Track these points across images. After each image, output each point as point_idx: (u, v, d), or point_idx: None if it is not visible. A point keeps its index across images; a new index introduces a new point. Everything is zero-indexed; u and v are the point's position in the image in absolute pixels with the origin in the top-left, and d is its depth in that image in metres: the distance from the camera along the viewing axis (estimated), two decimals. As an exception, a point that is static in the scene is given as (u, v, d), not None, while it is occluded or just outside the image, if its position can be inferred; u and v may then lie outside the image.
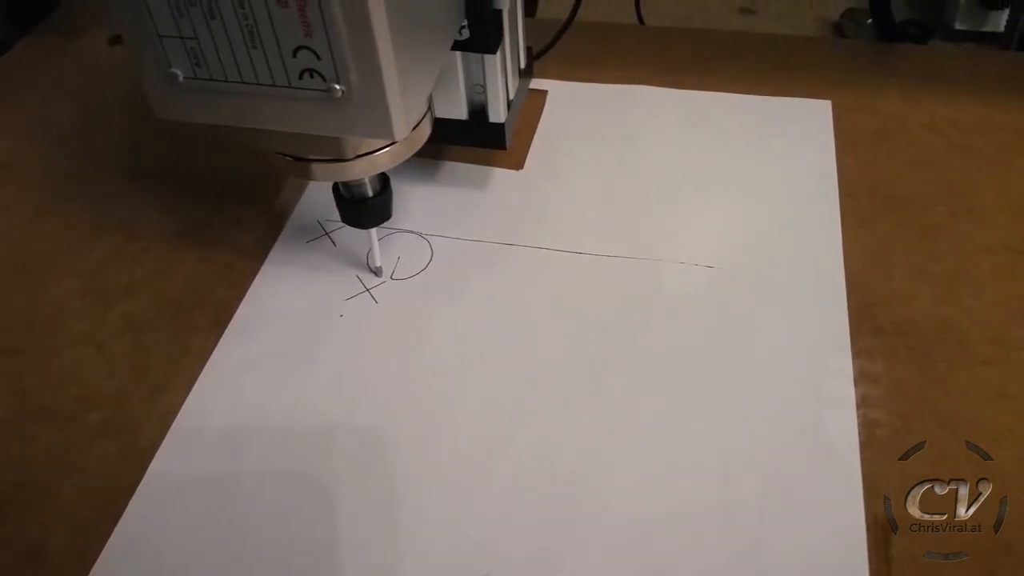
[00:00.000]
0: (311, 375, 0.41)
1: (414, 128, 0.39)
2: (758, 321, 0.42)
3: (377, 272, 0.45)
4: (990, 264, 0.44)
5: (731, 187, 0.49)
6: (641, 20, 0.66)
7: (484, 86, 0.45)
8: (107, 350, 0.43)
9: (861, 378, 0.39)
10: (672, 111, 0.54)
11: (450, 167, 0.51)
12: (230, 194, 0.50)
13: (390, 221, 0.43)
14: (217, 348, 0.42)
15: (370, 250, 0.45)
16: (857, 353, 0.40)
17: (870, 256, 0.45)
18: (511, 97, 0.46)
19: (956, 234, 0.46)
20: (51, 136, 0.56)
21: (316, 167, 0.38)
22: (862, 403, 0.39)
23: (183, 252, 0.47)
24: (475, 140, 0.47)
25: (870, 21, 0.60)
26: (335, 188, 0.42)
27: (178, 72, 0.33)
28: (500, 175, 0.50)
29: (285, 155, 0.38)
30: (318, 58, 0.31)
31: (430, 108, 0.41)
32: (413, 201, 0.49)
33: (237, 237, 0.48)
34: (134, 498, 0.37)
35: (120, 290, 0.45)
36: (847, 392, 0.39)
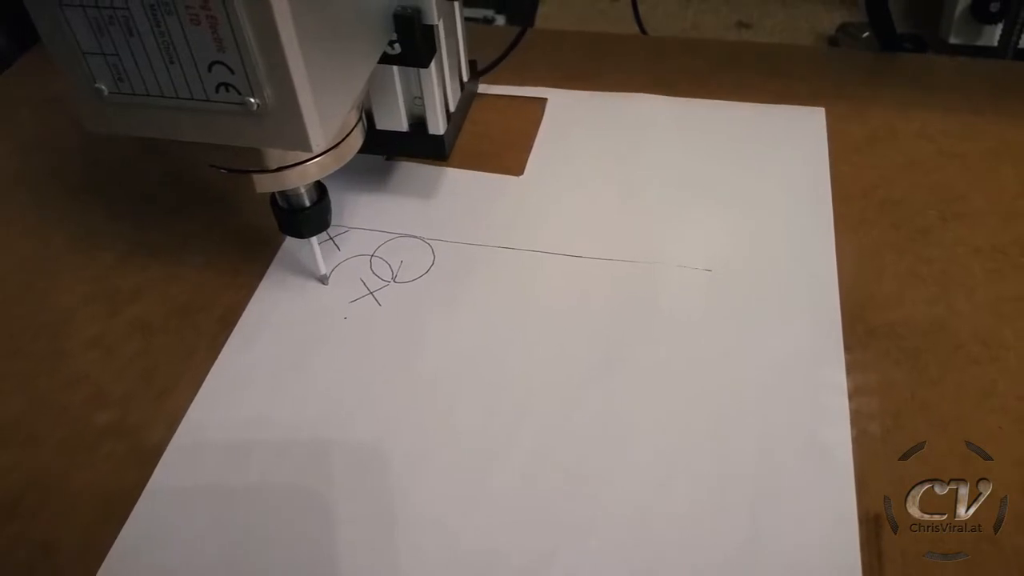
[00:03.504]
0: (315, 376, 0.42)
1: (343, 139, 0.40)
2: (753, 322, 0.43)
3: (322, 280, 0.46)
4: (980, 266, 0.45)
5: (727, 192, 0.50)
6: (642, 29, 0.67)
7: (422, 98, 0.45)
8: (115, 353, 0.43)
9: (854, 377, 0.40)
10: (669, 119, 0.55)
11: (452, 174, 0.52)
12: (234, 199, 0.51)
13: (394, 226, 0.43)
14: (223, 350, 0.43)
15: (314, 258, 0.45)
16: (850, 353, 0.41)
17: (863, 259, 0.46)
18: (451, 109, 0.47)
19: (947, 237, 0.47)
20: (57, 148, 0.56)
21: (253, 176, 0.39)
22: (854, 401, 0.39)
23: (190, 257, 0.48)
24: (416, 151, 0.48)
25: (866, 35, 0.61)
26: (272, 198, 0.43)
27: (103, 87, 0.34)
28: (501, 181, 0.51)
29: (218, 167, 0.39)
30: (232, 72, 0.32)
31: (361, 119, 0.41)
32: (415, 207, 0.50)
33: (243, 241, 0.49)
34: (142, 497, 0.37)
35: (128, 295, 0.46)
36: (840, 390, 0.40)
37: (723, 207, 0.49)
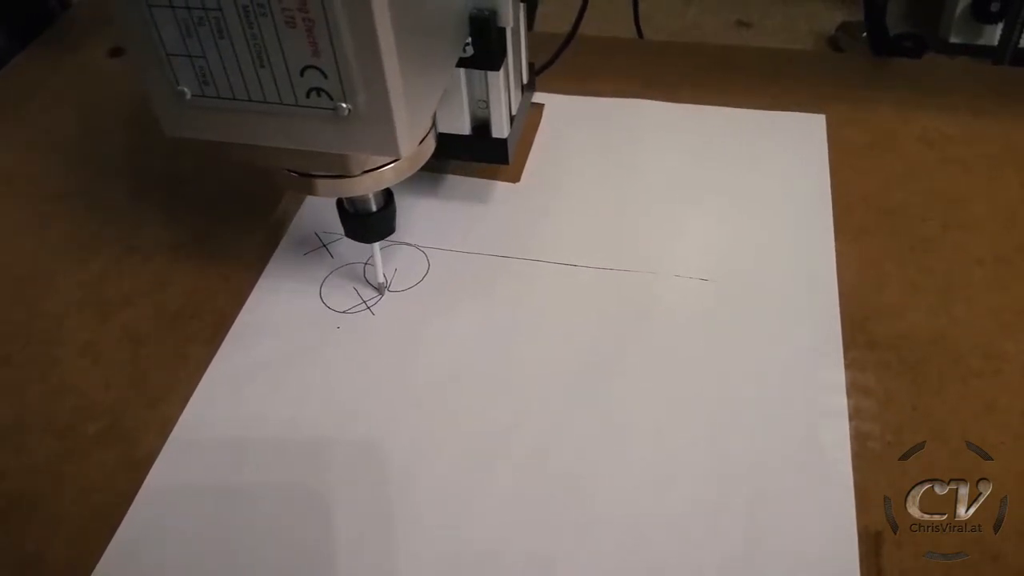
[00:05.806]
0: (308, 386, 0.41)
1: (419, 144, 0.39)
2: (752, 333, 0.42)
3: (379, 289, 0.45)
4: (982, 276, 0.44)
5: (726, 200, 0.49)
6: (640, 32, 0.67)
7: (487, 102, 0.45)
8: (106, 361, 0.43)
9: (854, 390, 0.40)
10: (668, 125, 0.54)
11: (447, 180, 0.51)
12: (229, 205, 0.51)
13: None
14: (215, 358, 0.43)
15: (373, 265, 0.45)
16: (850, 365, 0.41)
17: (863, 268, 0.45)
18: (513, 112, 0.47)
19: (948, 246, 0.46)
20: (51, 148, 0.56)
21: (321, 183, 0.38)
22: (854, 414, 0.39)
23: (182, 263, 0.47)
24: (478, 155, 0.48)
25: (865, 34, 0.60)
26: (339, 203, 0.42)
27: (186, 90, 0.33)
28: (497, 188, 0.51)
29: (291, 171, 0.38)
30: (325, 77, 0.31)
31: (434, 124, 0.41)
32: (410, 214, 0.49)
33: (235, 248, 0.48)
34: (132, 507, 0.37)
35: (119, 301, 0.46)
36: (840, 403, 0.39)
37: (722, 215, 0.48)
